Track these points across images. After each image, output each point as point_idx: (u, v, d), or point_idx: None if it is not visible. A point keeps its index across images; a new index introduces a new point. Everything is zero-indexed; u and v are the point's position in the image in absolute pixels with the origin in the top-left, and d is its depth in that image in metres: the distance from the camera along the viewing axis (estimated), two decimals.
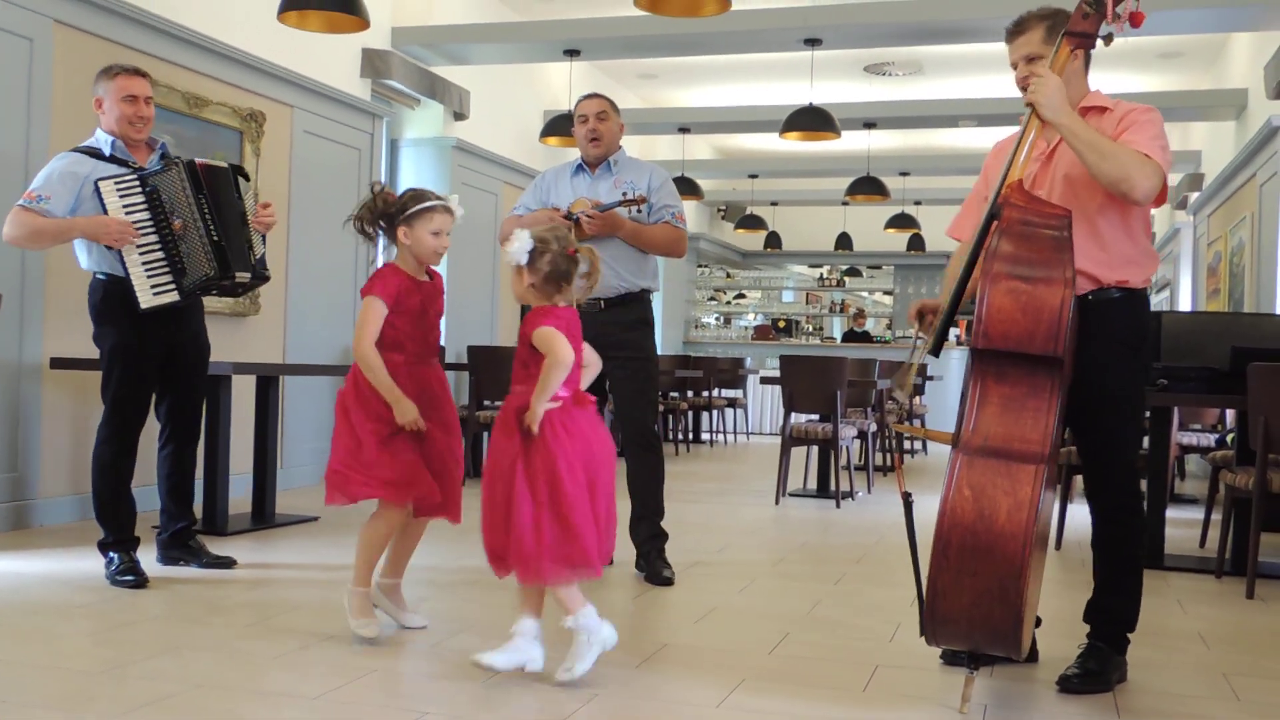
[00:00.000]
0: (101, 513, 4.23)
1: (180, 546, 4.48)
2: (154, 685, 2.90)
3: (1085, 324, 3.01)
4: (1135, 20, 2.97)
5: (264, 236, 4.53)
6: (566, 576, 3.01)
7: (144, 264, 4.12)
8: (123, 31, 5.74)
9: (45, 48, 5.31)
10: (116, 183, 4.11)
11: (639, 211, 4.60)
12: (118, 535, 4.20)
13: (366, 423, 3.36)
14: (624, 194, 4.60)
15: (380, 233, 3.44)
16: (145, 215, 4.13)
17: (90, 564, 4.39)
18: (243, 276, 4.32)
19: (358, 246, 7.71)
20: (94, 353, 5.51)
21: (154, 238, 4.14)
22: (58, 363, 5.14)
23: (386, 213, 3.40)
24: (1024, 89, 3.08)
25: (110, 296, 4.19)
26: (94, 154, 4.19)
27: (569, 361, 3.02)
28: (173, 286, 4.16)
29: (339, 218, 6.54)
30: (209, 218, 4.22)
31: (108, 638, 3.39)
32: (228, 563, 4.46)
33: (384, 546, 3.52)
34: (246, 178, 4.52)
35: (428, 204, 3.39)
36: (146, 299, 4.12)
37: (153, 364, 4.29)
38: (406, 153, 8.88)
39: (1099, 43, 3.06)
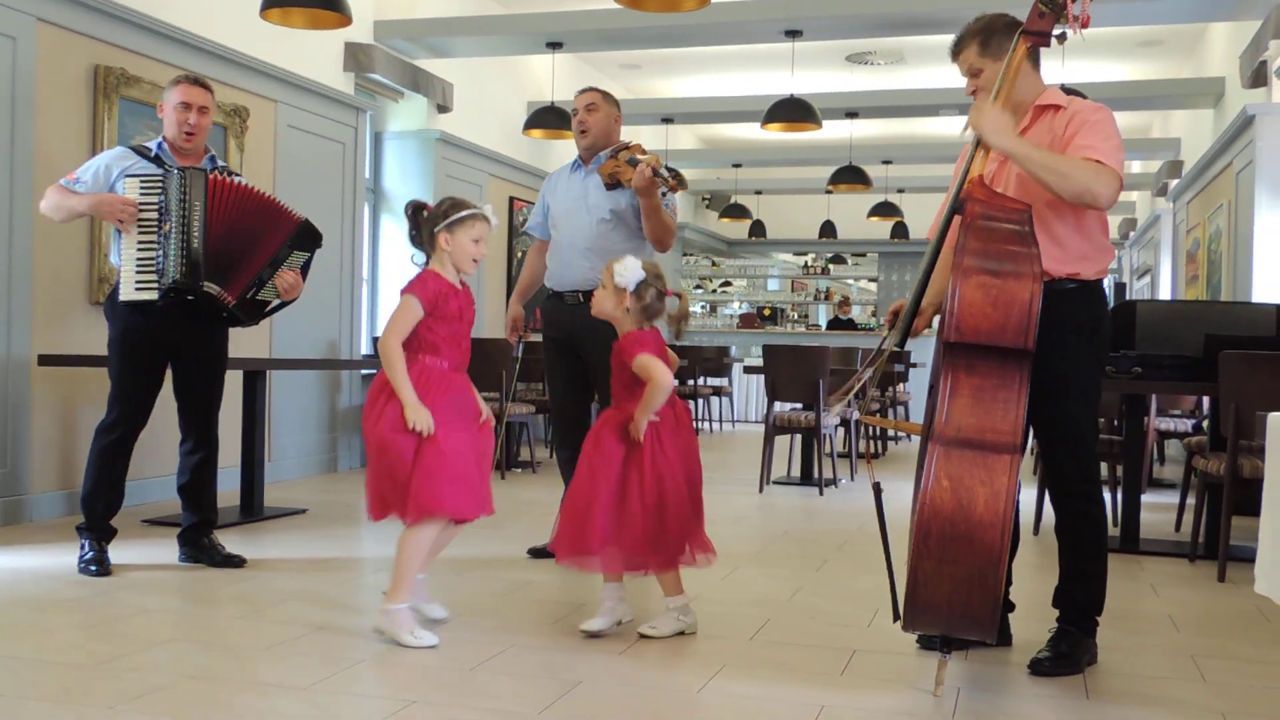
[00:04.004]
0: (84, 496, 4.36)
1: (193, 544, 4.52)
2: (146, 677, 2.96)
3: (1040, 314, 3.08)
4: (1084, 23, 3.07)
5: (282, 303, 4.53)
6: (663, 566, 3.48)
7: (138, 259, 4.23)
8: (106, 29, 5.76)
9: (29, 46, 5.34)
10: (143, 180, 4.25)
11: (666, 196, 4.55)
12: (91, 522, 4.33)
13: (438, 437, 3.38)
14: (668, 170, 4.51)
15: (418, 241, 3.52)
16: (154, 215, 4.24)
17: None
18: (211, 288, 4.27)
19: (343, 241, 7.75)
20: (80, 349, 5.58)
21: (154, 237, 4.23)
22: (45, 359, 5.19)
23: (432, 220, 3.45)
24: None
25: (117, 290, 4.31)
26: (141, 152, 4.37)
27: (670, 385, 3.43)
28: (154, 285, 4.24)
29: (324, 212, 6.56)
30: (198, 224, 4.24)
31: (99, 631, 3.45)
32: (237, 561, 4.46)
33: (432, 557, 3.54)
34: (317, 244, 4.55)
35: (470, 211, 3.45)
36: (128, 292, 4.24)
37: (150, 358, 4.36)
38: (390, 146, 8.91)
39: (1052, 40, 3.16)
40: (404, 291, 3.42)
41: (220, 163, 4.52)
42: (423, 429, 3.31)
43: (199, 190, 4.25)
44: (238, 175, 4.43)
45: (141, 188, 4.24)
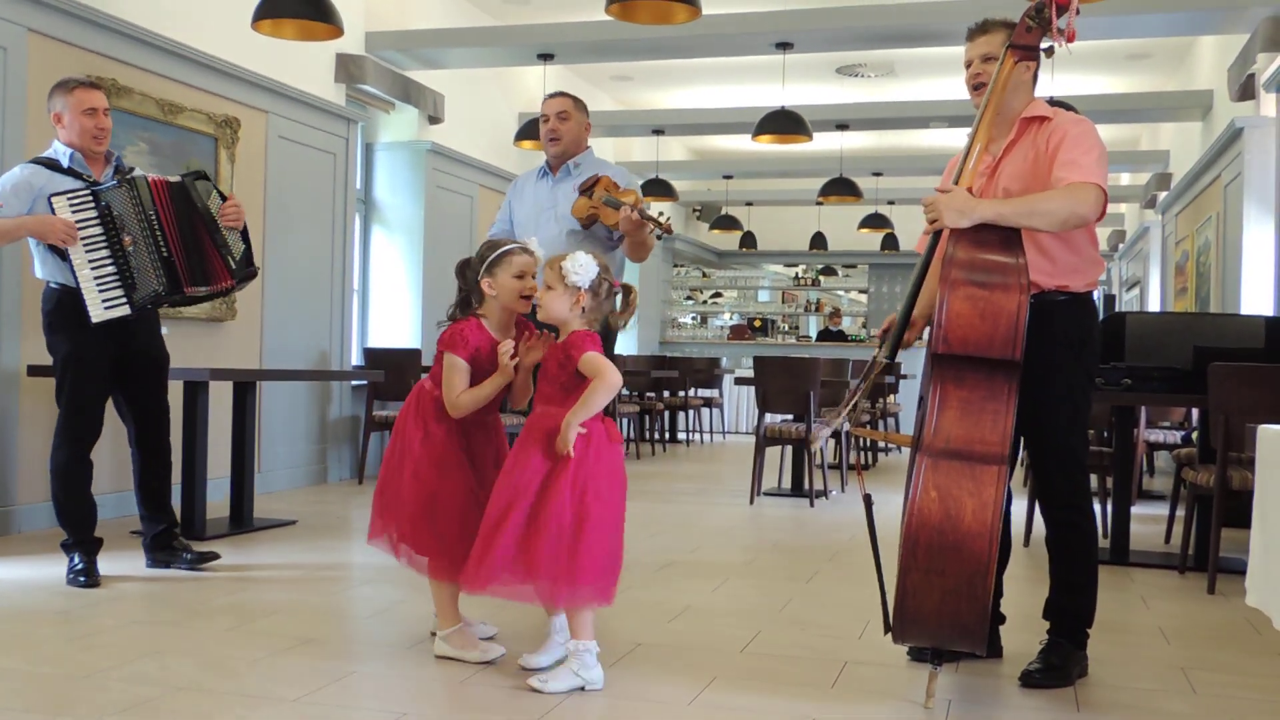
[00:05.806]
0: (60, 515, 4.36)
1: (164, 549, 4.55)
2: (134, 689, 2.95)
3: (1029, 326, 3.08)
4: (1070, 36, 3.09)
5: (244, 233, 4.56)
6: (585, 599, 3.02)
7: (96, 278, 4.19)
8: (97, 40, 5.76)
9: (19, 56, 5.33)
10: (70, 198, 4.18)
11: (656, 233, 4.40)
12: (76, 537, 4.33)
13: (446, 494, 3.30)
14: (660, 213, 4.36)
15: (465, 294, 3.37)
16: (98, 230, 4.21)
17: None
18: (195, 291, 4.40)
19: (333, 252, 7.74)
20: None
21: (105, 252, 4.21)
22: (35, 370, 5.16)
23: (473, 269, 3.32)
24: (974, 89, 3.24)
25: (62, 306, 4.27)
26: (52, 165, 4.27)
27: (618, 385, 3.06)
28: (124, 301, 4.23)
29: (315, 223, 6.55)
30: (159, 234, 4.29)
31: (87, 642, 3.43)
32: (211, 557, 4.53)
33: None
34: (206, 178, 4.54)
35: (504, 249, 3.29)
36: (98, 312, 4.19)
37: (104, 371, 4.35)
38: (381, 157, 8.91)
39: (1041, 54, 3.17)
40: (444, 349, 3.28)
41: (121, 162, 4.45)
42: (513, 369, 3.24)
43: (148, 198, 4.27)
44: (136, 170, 4.43)
45: (72, 206, 4.16)
